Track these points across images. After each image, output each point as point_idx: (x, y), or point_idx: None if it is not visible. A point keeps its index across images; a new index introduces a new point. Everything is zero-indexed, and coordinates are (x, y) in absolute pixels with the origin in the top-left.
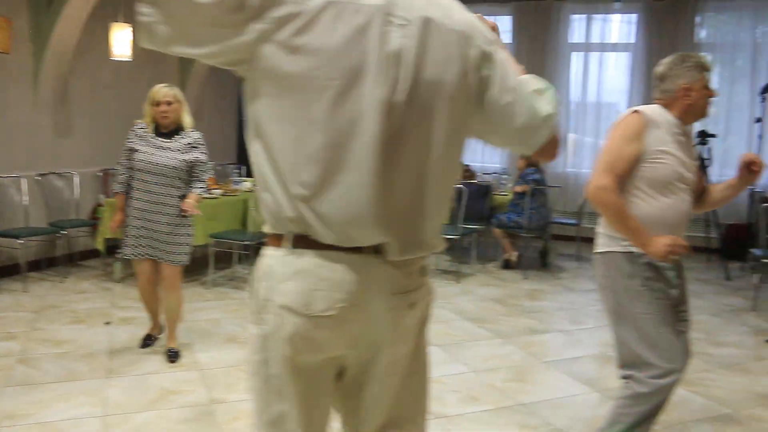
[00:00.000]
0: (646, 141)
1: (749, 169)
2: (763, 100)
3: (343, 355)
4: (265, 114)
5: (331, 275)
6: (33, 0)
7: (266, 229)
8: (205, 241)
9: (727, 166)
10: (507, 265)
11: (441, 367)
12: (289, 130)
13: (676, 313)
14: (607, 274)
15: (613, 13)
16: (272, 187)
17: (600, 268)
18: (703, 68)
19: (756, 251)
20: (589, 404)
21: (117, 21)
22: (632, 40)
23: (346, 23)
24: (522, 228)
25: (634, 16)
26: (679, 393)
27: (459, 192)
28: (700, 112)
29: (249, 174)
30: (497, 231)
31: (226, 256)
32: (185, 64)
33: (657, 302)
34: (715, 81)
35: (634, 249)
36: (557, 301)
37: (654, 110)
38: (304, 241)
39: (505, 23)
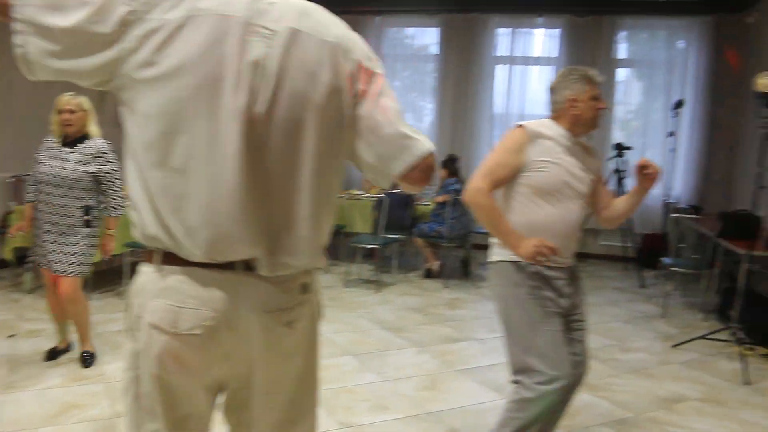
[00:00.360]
0: (527, 154)
1: (643, 173)
2: (675, 115)
3: (218, 374)
4: (133, 130)
5: (199, 293)
6: None
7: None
8: (121, 251)
9: None
10: (429, 275)
11: (353, 376)
12: (153, 145)
13: (568, 321)
14: (497, 283)
15: (537, 27)
16: (139, 204)
17: (492, 277)
18: (590, 80)
19: (666, 260)
20: (496, 411)
21: None
22: (555, 54)
23: (204, 34)
24: (443, 237)
25: (557, 32)
26: (585, 398)
27: (381, 201)
28: (590, 123)
29: None
30: (419, 240)
31: None
32: None
33: (543, 311)
34: (633, 96)
35: (521, 258)
36: (476, 309)
37: (541, 123)
38: (172, 258)
39: (432, 35)
